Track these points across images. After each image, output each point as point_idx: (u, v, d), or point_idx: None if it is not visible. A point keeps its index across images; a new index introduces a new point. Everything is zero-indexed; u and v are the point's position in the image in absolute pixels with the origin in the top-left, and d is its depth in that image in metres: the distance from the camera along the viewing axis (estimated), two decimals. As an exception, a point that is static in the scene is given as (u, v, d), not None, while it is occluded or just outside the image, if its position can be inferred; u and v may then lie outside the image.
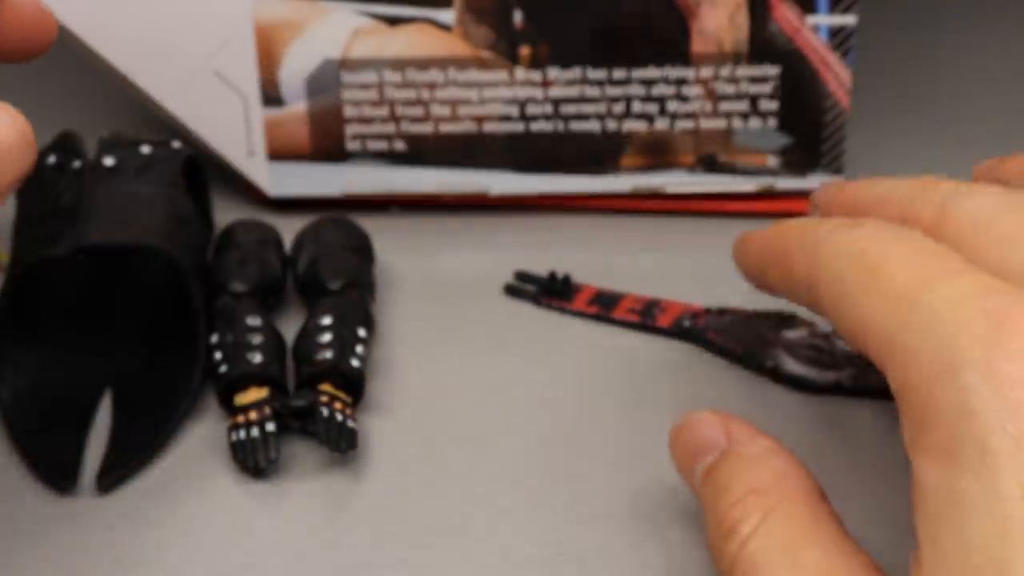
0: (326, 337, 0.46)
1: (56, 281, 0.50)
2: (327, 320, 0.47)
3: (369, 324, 0.48)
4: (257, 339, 0.46)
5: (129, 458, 0.44)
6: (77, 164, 0.50)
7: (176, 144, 0.52)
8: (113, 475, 0.43)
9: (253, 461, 0.43)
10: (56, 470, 0.43)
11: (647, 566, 0.40)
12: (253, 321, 0.47)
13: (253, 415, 0.44)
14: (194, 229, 0.50)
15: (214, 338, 0.47)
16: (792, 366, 0.48)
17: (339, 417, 0.43)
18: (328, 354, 0.45)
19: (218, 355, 0.46)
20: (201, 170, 0.54)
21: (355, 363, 0.45)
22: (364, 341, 0.47)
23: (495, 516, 0.42)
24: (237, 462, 0.43)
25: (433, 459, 0.44)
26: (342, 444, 0.43)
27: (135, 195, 0.48)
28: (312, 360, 0.45)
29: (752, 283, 0.42)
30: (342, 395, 0.44)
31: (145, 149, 0.51)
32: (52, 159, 0.51)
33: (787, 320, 0.49)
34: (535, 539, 0.41)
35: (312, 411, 0.44)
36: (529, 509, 0.42)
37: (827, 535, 0.33)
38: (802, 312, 0.50)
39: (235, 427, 0.44)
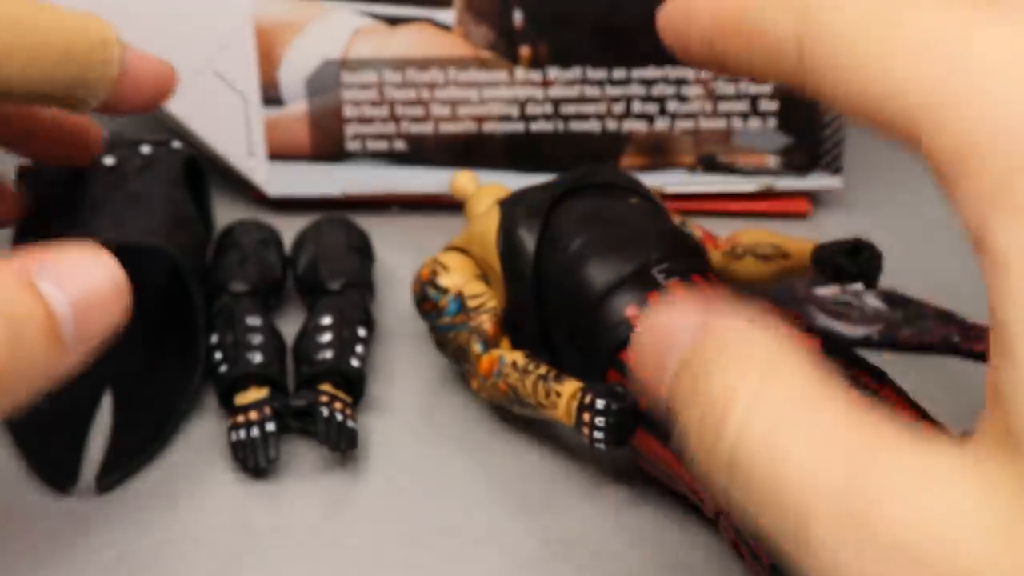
0: (326, 337, 0.46)
1: None
2: (327, 320, 0.47)
3: (369, 324, 0.48)
4: (257, 339, 0.46)
5: (129, 458, 0.44)
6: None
7: (176, 144, 0.52)
8: (113, 475, 0.43)
9: (253, 461, 0.43)
10: (56, 470, 0.43)
11: (647, 565, 0.40)
12: (253, 321, 0.47)
13: (253, 415, 0.44)
14: (194, 229, 0.50)
15: (214, 338, 0.47)
16: (823, 321, 0.48)
17: (339, 417, 0.43)
18: (328, 354, 0.45)
19: (218, 355, 0.46)
20: (201, 170, 0.54)
21: (355, 363, 0.46)
22: (364, 341, 0.47)
23: (495, 516, 0.42)
24: (237, 461, 0.43)
25: (433, 459, 0.44)
26: (341, 444, 0.43)
27: (135, 195, 0.48)
28: (312, 360, 0.45)
29: (691, 60, 0.34)
30: (342, 395, 0.45)
31: (145, 149, 0.51)
32: None
33: (818, 279, 0.49)
34: (535, 539, 0.41)
35: (312, 411, 0.44)
36: (529, 509, 0.42)
37: (839, 391, 0.28)
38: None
39: (235, 427, 0.44)
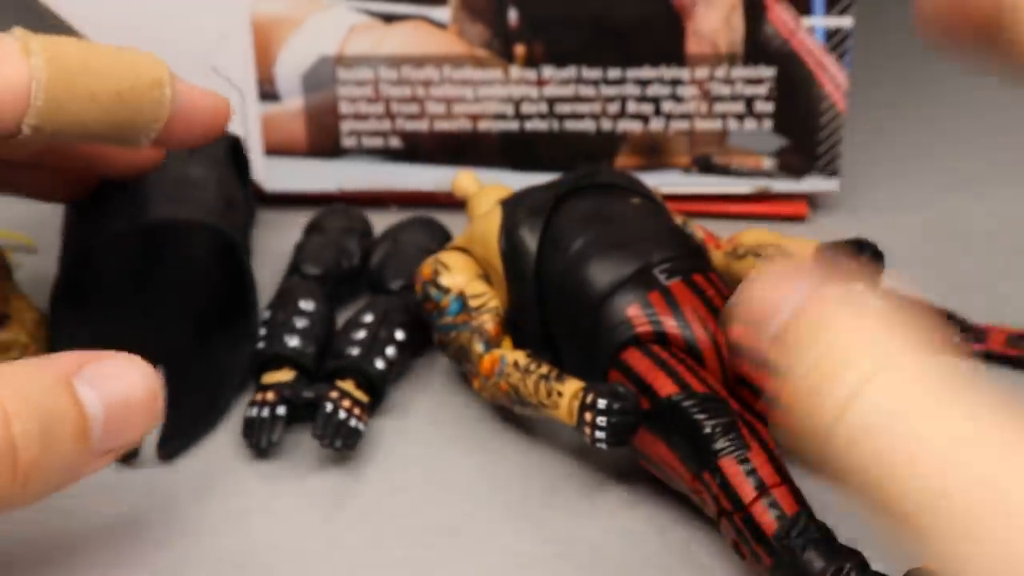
0: (360, 335, 0.46)
1: (110, 258, 0.50)
2: (368, 318, 0.47)
3: (410, 328, 0.47)
4: (302, 323, 0.46)
5: (187, 428, 0.44)
6: None
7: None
8: (174, 444, 0.44)
9: (256, 440, 0.43)
10: None
11: (647, 566, 0.40)
12: (306, 305, 0.47)
13: (270, 396, 0.44)
14: (241, 209, 0.51)
15: (267, 314, 0.47)
16: None
17: (342, 415, 0.43)
18: (355, 351, 0.45)
19: (263, 331, 0.47)
20: (244, 154, 0.54)
21: (379, 365, 0.45)
22: (400, 345, 0.47)
23: (495, 516, 0.42)
24: (244, 437, 0.44)
25: (433, 459, 0.44)
26: (336, 442, 0.43)
27: (187, 176, 0.49)
28: (340, 354, 0.46)
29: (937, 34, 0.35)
30: (359, 394, 0.44)
31: None
32: None
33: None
34: (535, 539, 0.41)
35: (318, 404, 0.44)
36: (529, 509, 0.42)
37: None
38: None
39: (252, 404, 0.44)
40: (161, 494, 0.42)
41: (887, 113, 0.65)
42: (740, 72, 0.56)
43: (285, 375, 0.45)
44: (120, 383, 0.35)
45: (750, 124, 0.57)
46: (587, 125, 0.57)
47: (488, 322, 0.44)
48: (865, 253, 0.44)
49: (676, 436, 0.39)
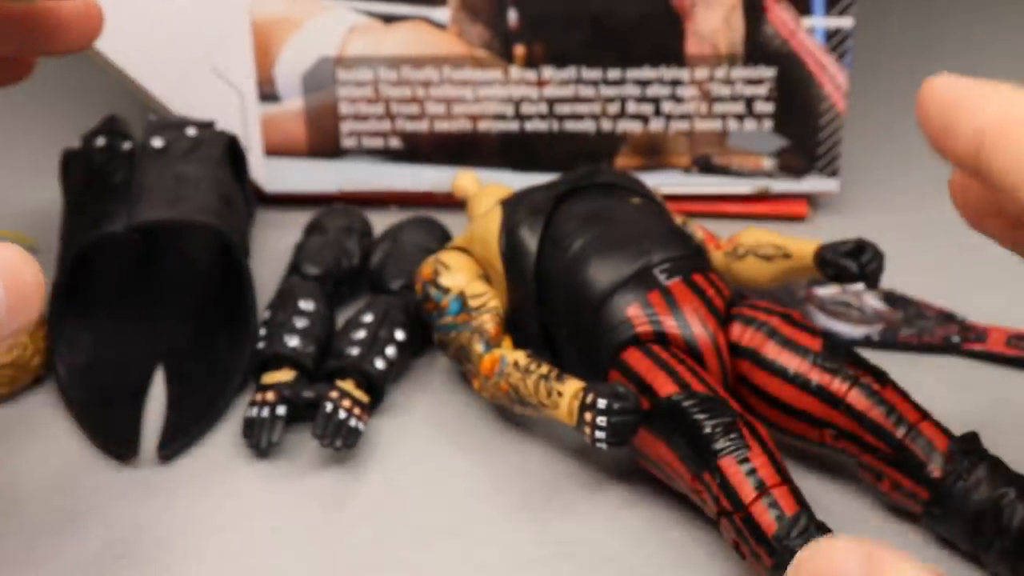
0: (360, 335, 0.46)
1: (109, 259, 0.50)
2: (368, 318, 0.47)
3: (410, 328, 0.47)
4: (302, 323, 0.46)
5: (187, 428, 0.44)
6: (127, 146, 0.51)
7: (219, 127, 0.53)
8: (174, 445, 0.44)
9: (256, 440, 0.43)
10: (117, 441, 0.44)
11: (647, 565, 0.40)
12: (306, 305, 0.47)
13: (270, 396, 0.44)
14: (239, 208, 0.51)
15: (266, 314, 0.47)
16: (823, 321, 0.49)
17: (341, 415, 0.43)
18: (355, 351, 0.45)
19: (263, 331, 0.47)
20: (241, 153, 0.54)
21: (379, 364, 0.45)
22: (400, 344, 0.47)
23: (495, 516, 0.42)
24: (244, 437, 0.44)
25: (434, 459, 0.44)
26: (336, 442, 0.43)
27: (184, 175, 0.49)
28: (340, 354, 0.46)
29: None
30: (358, 394, 0.44)
31: (191, 131, 0.52)
32: (100, 141, 0.51)
33: (818, 279, 0.50)
34: (535, 539, 0.41)
35: (318, 404, 0.44)
36: (529, 509, 0.42)
37: None
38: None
39: (252, 403, 0.44)
40: (161, 494, 0.42)
41: (887, 113, 0.65)
42: (740, 72, 0.56)
43: (285, 375, 0.45)
44: (11, 266, 0.33)
45: (750, 124, 0.57)
46: (587, 125, 0.57)
47: (488, 322, 0.44)
48: (866, 254, 0.44)
49: (676, 436, 0.39)
